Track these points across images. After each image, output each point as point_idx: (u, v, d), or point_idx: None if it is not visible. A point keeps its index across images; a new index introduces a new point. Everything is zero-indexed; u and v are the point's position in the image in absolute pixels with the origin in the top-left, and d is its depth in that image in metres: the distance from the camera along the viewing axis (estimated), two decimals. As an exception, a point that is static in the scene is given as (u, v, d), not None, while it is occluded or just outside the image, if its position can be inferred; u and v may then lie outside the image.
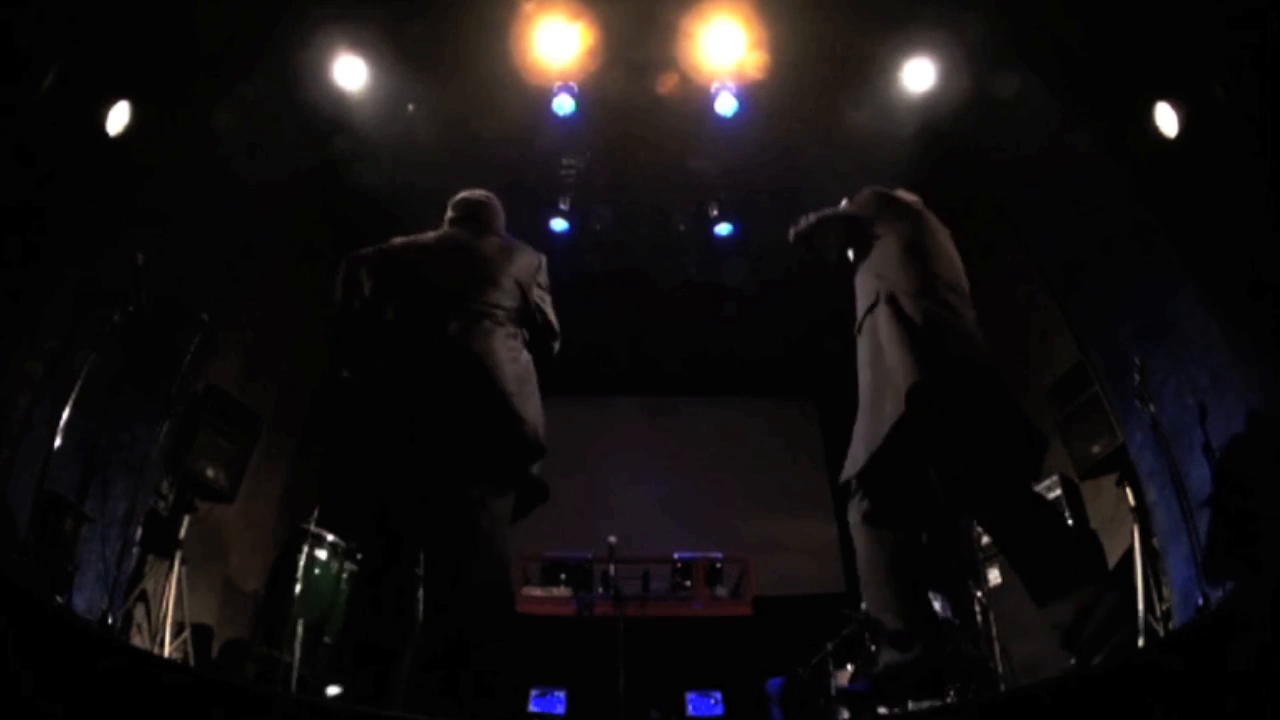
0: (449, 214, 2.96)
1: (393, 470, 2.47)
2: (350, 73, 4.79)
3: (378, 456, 2.53)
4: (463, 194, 2.99)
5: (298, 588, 4.44)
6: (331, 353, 2.80)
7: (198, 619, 4.58)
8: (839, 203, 3.13)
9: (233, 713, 1.55)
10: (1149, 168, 3.94)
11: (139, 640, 4.15)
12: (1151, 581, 4.04)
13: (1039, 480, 4.61)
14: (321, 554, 4.66)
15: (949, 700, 2.64)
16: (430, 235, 2.86)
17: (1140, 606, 3.96)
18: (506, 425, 2.43)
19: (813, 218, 2.97)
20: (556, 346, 2.82)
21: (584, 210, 6.08)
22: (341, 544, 4.74)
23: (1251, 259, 3.36)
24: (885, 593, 2.47)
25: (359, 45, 4.73)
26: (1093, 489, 4.62)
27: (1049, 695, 1.69)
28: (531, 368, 2.63)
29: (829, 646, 4.75)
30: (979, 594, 4.61)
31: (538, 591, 5.92)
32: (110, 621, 3.57)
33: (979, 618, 4.57)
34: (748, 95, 5.12)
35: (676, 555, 6.20)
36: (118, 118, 3.69)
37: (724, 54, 4.93)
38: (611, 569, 5.52)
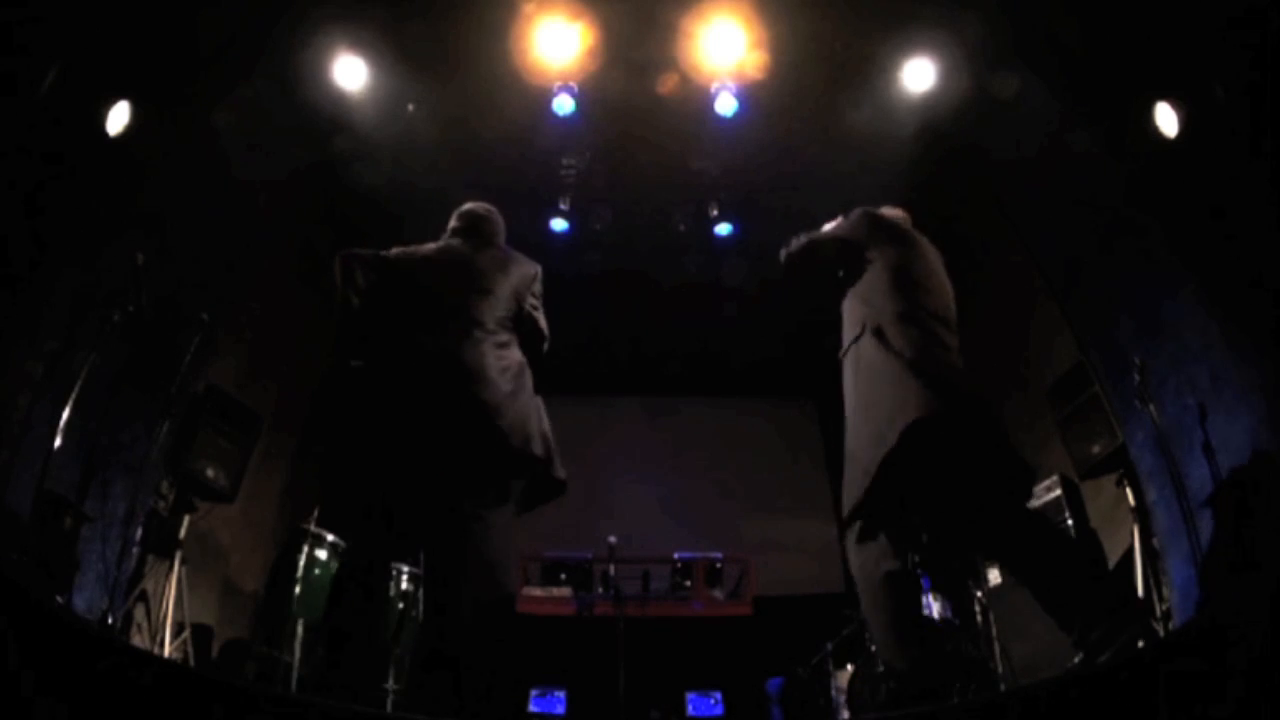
0: (452, 224, 3.02)
1: (388, 475, 2.52)
2: (350, 73, 4.78)
3: (374, 457, 2.57)
4: (467, 206, 3.05)
5: (298, 588, 4.44)
6: (336, 345, 2.84)
7: (198, 619, 4.58)
8: (838, 202, 3.12)
9: (233, 713, 1.55)
10: (1149, 168, 3.94)
11: (139, 640, 4.15)
12: (1151, 581, 4.04)
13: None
14: (321, 554, 4.66)
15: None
16: (430, 246, 2.91)
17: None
18: (490, 439, 2.48)
19: (804, 239, 2.94)
20: (545, 348, 2.89)
21: (584, 210, 6.07)
22: (341, 544, 4.73)
23: (1251, 259, 3.36)
24: (892, 636, 2.42)
25: (359, 45, 4.73)
26: (1093, 489, 4.62)
27: (1049, 695, 1.69)
28: (526, 374, 2.68)
29: (829, 646, 4.75)
30: (979, 594, 4.61)
31: (538, 591, 5.92)
32: (110, 621, 3.58)
33: (979, 618, 4.57)
34: (748, 95, 5.12)
35: (676, 555, 6.19)
36: (118, 118, 3.69)
37: (724, 54, 4.93)
38: (611, 569, 5.52)
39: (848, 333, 2.79)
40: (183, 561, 4.42)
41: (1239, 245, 3.44)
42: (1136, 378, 3.84)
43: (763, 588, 6.23)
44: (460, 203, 3.10)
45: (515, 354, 2.69)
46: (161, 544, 4.45)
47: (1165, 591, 4.00)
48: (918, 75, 4.86)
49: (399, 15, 4.66)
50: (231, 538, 5.26)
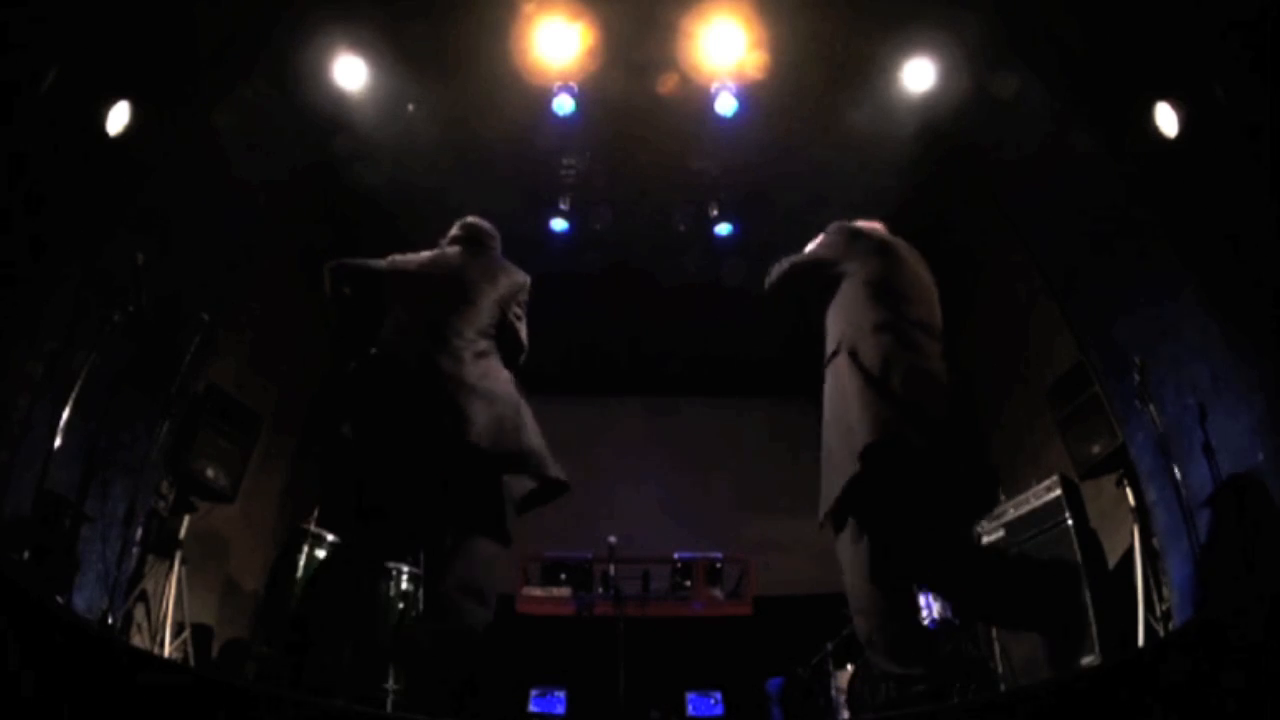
0: (452, 232, 3.11)
1: (371, 477, 2.59)
2: (350, 73, 4.78)
3: (359, 461, 2.63)
4: (470, 219, 3.15)
5: (298, 588, 4.43)
6: (332, 349, 2.93)
7: (198, 619, 4.58)
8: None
9: (233, 713, 1.55)
10: (1149, 168, 3.94)
11: (139, 640, 4.16)
12: (1151, 581, 4.04)
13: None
14: (321, 554, 4.66)
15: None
16: (424, 255, 2.98)
17: (1140, 606, 3.97)
18: (462, 445, 2.52)
19: (785, 265, 2.98)
20: (521, 359, 2.96)
21: (584, 210, 6.07)
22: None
23: (1251, 259, 3.36)
24: (886, 635, 2.45)
25: (359, 45, 4.73)
26: (1093, 489, 4.62)
27: (1049, 695, 1.70)
28: (509, 382, 2.75)
29: (829, 646, 4.75)
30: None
31: (538, 591, 5.92)
32: (110, 621, 3.58)
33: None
34: (748, 95, 5.12)
35: (676, 555, 6.19)
36: (118, 117, 3.69)
37: (724, 54, 4.92)
38: (611, 569, 5.52)
39: (828, 346, 2.82)
40: (183, 561, 4.42)
41: (1239, 245, 3.44)
42: (1136, 378, 3.84)
43: (763, 588, 6.23)
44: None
45: (494, 362, 2.76)
46: (161, 544, 4.45)
47: (1165, 591, 4.00)
48: (918, 75, 4.86)
49: (399, 15, 4.66)
50: (231, 538, 5.26)
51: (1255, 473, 3.33)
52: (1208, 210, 3.60)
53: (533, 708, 5.33)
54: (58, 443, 3.29)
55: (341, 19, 4.56)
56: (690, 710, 5.53)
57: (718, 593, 6.07)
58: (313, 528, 4.66)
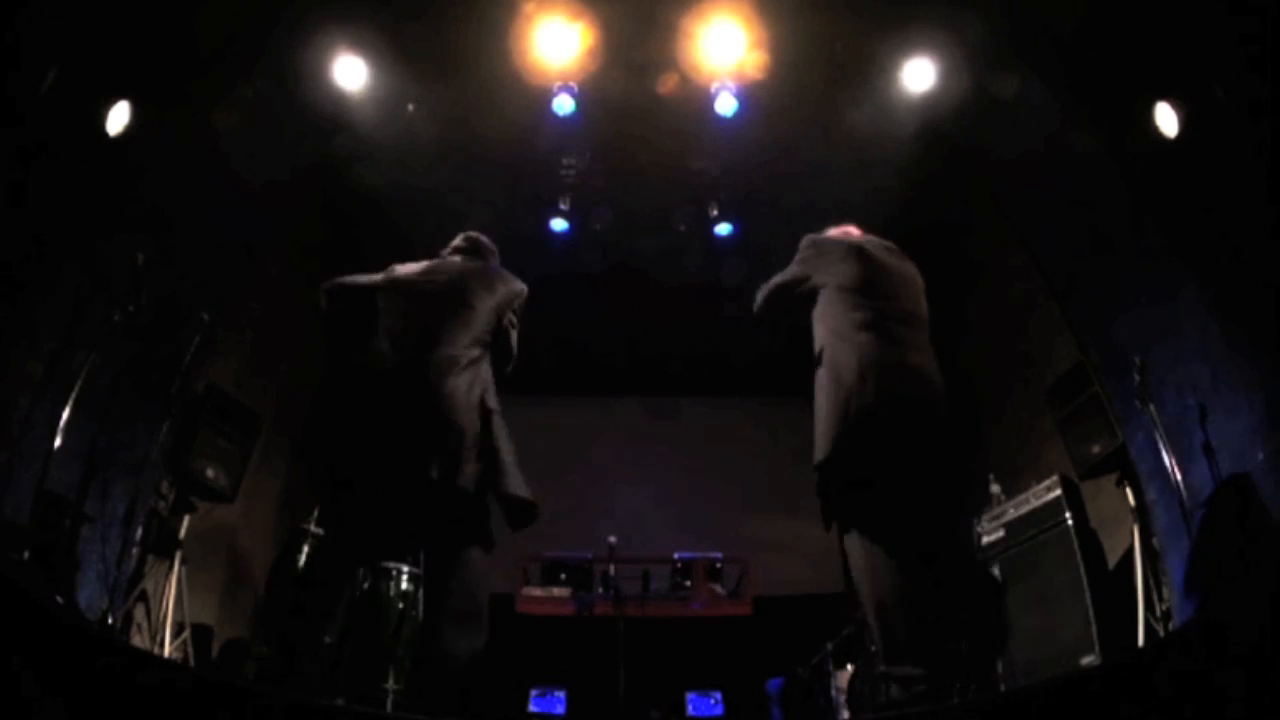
0: (455, 242, 3.14)
1: (357, 485, 2.58)
2: (350, 73, 4.78)
3: (346, 468, 2.62)
4: (473, 232, 3.18)
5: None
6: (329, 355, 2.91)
7: (198, 619, 4.58)
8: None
9: (233, 713, 1.55)
10: (1149, 168, 3.94)
11: (139, 640, 4.16)
12: (1151, 581, 4.04)
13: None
14: (321, 554, 4.66)
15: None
16: (422, 265, 2.98)
17: (1140, 606, 3.96)
18: (451, 496, 2.50)
19: (765, 291, 3.06)
20: (509, 368, 2.97)
21: (584, 210, 6.07)
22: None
23: (1251, 259, 3.36)
24: (891, 631, 2.49)
25: (359, 45, 4.73)
26: (1093, 489, 4.62)
27: (1049, 695, 1.69)
28: (492, 393, 2.74)
29: (829, 646, 4.75)
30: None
31: (538, 591, 5.92)
32: (110, 621, 3.58)
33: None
34: (748, 95, 5.12)
35: (676, 555, 6.19)
36: (118, 117, 3.69)
37: (724, 54, 4.93)
38: (611, 569, 5.52)
39: (815, 350, 2.91)
40: (183, 561, 4.42)
41: (1239, 245, 3.44)
42: (1136, 378, 3.84)
43: (763, 588, 6.23)
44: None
45: (483, 370, 2.76)
46: (161, 544, 4.45)
47: (1165, 591, 4.00)
48: (918, 75, 4.86)
49: (399, 15, 4.67)
50: (231, 538, 5.27)
51: (1254, 471, 3.33)
52: (1208, 210, 3.60)
53: (533, 708, 5.33)
54: (58, 443, 3.29)
55: (341, 19, 4.56)
56: (690, 710, 5.54)
57: (719, 587, 6.07)
58: (313, 528, 4.66)
